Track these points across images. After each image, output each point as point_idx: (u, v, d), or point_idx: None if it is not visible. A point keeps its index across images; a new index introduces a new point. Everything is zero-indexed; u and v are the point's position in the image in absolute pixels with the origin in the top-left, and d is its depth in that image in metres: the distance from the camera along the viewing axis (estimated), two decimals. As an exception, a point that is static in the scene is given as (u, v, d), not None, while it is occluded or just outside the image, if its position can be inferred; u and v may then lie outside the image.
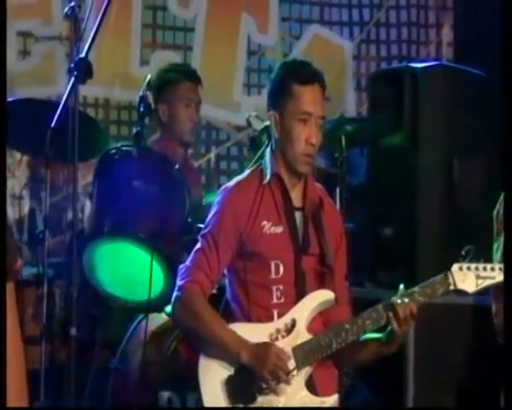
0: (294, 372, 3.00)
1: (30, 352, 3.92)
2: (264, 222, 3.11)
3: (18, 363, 1.85)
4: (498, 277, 3.03)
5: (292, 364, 3.00)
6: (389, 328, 3.03)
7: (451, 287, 3.05)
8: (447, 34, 5.83)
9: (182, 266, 3.13)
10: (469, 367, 4.15)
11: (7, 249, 1.82)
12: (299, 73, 3.13)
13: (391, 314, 3.00)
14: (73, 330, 3.36)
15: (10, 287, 1.85)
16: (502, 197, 3.55)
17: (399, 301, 3.01)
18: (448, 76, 4.61)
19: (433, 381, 4.10)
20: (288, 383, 2.98)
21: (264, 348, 2.99)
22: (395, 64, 5.65)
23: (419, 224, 4.32)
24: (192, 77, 4.40)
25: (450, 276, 3.05)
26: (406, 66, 4.82)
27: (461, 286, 3.04)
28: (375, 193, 4.55)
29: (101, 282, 3.84)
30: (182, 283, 3.09)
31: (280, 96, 3.15)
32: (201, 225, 3.33)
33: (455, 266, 3.05)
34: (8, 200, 4.77)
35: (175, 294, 3.11)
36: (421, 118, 4.49)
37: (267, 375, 2.96)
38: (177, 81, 4.34)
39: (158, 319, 3.77)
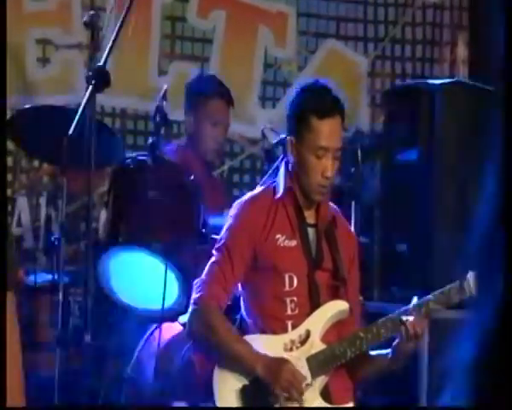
0: (309, 382, 3.00)
1: (44, 358, 3.95)
2: (278, 235, 3.12)
3: (16, 369, 1.92)
4: None
5: (307, 379, 2.99)
6: (395, 343, 3.03)
7: (467, 294, 3.00)
8: (462, 52, 5.84)
9: (197, 280, 3.14)
10: (484, 387, 4.13)
11: (7, 259, 1.89)
12: (319, 105, 3.07)
13: (402, 328, 3.00)
14: (88, 338, 3.36)
15: (10, 296, 1.91)
16: None
17: (411, 317, 2.99)
18: (465, 94, 4.60)
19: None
20: (300, 402, 2.98)
21: (278, 364, 2.99)
22: (409, 81, 5.65)
23: (433, 242, 4.31)
24: (225, 96, 4.36)
25: (465, 283, 3.00)
26: (423, 82, 4.82)
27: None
28: (390, 209, 4.55)
29: (115, 291, 3.85)
30: (198, 296, 3.10)
31: (297, 125, 3.11)
32: (216, 236, 3.34)
33: (471, 273, 2.98)
34: (26, 207, 4.80)
35: (191, 307, 3.12)
36: (436, 135, 4.49)
37: (279, 391, 2.97)
38: (209, 96, 4.32)
39: (172, 329, 3.78)
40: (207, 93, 4.33)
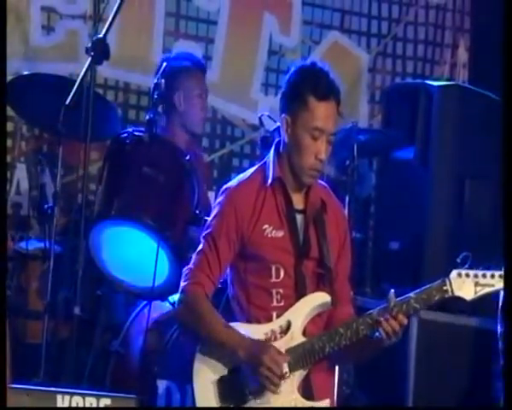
0: (287, 375, 3.00)
1: (32, 326, 3.93)
2: (266, 226, 3.10)
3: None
4: (498, 284, 2.95)
5: (286, 367, 3.00)
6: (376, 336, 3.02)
7: (448, 294, 2.98)
8: (462, 56, 5.86)
9: (185, 268, 3.14)
10: (467, 386, 4.17)
11: None
12: (317, 86, 3.06)
13: (381, 327, 2.98)
14: (77, 310, 3.35)
15: None
16: None
17: (391, 312, 2.97)
18: (463, 97, 4.63)
19: (431, 394, 4.12)
20: (276, 391, 2.98)
21: (260, 348, 2.99)
22: (409, 80, 5.66)
23: (426, 241, 4.33)
24: (202, 67, 4.41)
25: (447, 282, 2.98)
26: (422, 83, 4.84)
27: (458, 293, 2.97)
28: (384, 206, 4.56)
29: (105, 264, 3.84)
30: (185, 284, 3.10)
31: (294, 104, 3.09)
32: (209, 218, 3.32)
33: (453, 273, 2.98)
34: (25, 174, 4.77)
35: (179, 296, 3.12)
36: (433, 136, 4.51)
37: (260, 376, 2.97)
38: (191, 70, 4.33)
39: (161, 308, 3.78)
40: (189, 67, 4.32)
